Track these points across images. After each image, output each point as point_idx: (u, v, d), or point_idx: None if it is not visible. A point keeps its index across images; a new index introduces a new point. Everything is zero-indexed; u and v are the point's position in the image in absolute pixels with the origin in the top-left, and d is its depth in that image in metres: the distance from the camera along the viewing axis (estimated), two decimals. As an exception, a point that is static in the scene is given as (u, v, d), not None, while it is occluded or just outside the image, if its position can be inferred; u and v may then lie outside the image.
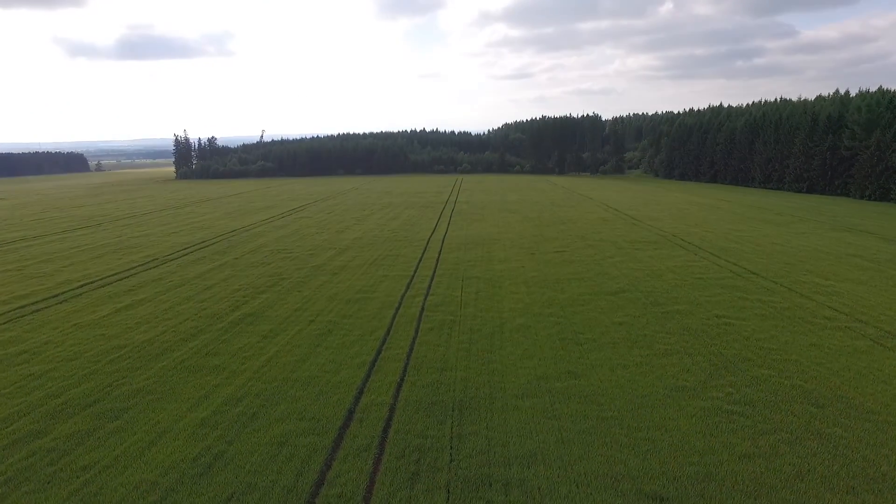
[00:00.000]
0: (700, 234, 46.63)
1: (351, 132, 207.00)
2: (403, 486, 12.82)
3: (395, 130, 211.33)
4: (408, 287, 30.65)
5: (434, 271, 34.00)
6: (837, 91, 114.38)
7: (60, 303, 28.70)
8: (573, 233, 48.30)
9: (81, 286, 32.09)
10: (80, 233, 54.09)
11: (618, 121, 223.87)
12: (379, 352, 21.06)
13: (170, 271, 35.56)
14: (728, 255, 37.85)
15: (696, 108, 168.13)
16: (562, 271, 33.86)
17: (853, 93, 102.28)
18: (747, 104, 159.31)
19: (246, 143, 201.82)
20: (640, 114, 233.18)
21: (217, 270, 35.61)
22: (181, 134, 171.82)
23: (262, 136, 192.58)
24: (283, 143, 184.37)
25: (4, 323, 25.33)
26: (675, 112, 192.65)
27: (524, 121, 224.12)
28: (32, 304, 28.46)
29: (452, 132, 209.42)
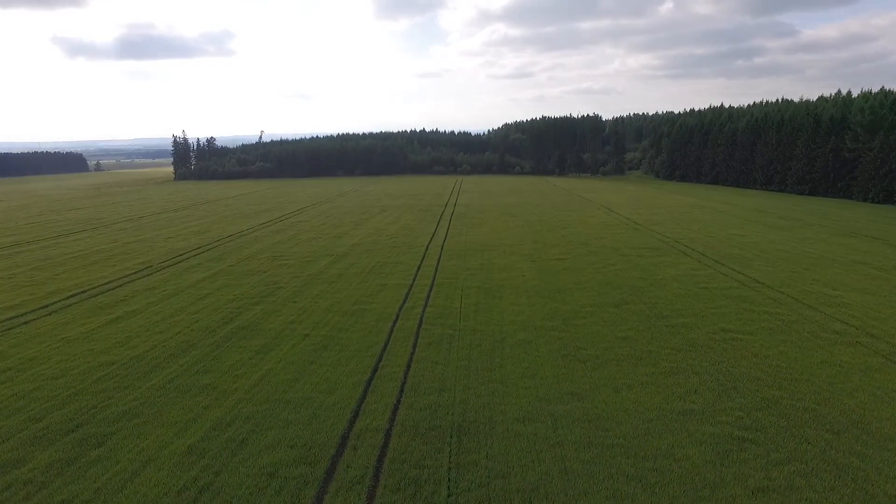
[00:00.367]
0: (703, 240, 45.92)
1: (350, 132, 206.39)
2: (398, 525, 12.13)
3: (395, 131, 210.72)
4: (406, 297, 29.95)
5: (433, 280, 33.30)
6: (839, 92, 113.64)
7: (50, 314, 28.00)
8: (574, 238, 47.59)
9: (73, 296, 31.39)
10: (75, 237, 53.37)
11: (618, 121, 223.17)
12: (375, 369, 20.36)
13: (163, 280, 34.85)
14: (732, 263, 37.14)
15: (696, 109, 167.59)
16: (563, 280, 33.16)
17: (855, 93, 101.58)
18: (748, 105, 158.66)
19: (245, 142, 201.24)
20: (641, 114, 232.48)
21: (212, 279, 34.91)
22: (180, 134, 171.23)
23: (260, 137, 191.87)
24: (281, 144, 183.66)
25: (-9, 337, 24.64)
26: (676, 112, 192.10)
27: (524, 121, 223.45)
28: (21, 315, 27.76)
29: (452, 132, 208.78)
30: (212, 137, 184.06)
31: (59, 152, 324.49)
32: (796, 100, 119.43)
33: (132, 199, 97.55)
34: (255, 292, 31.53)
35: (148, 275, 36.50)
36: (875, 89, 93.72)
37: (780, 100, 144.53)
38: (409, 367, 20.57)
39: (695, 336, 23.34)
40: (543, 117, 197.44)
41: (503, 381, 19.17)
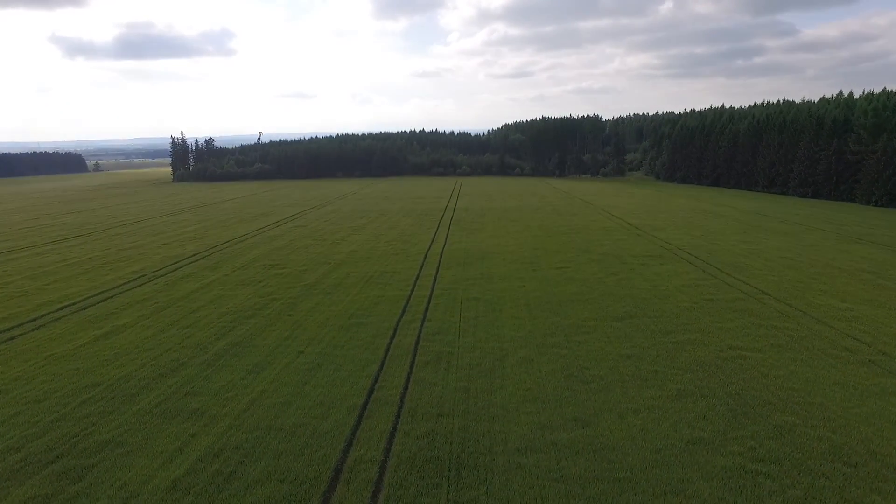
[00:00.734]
0: (707, 247, 45.15)
1: (349, 132, 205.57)
2: (393, 574, 11.37)
3: (394, 131, 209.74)
4: (404, 310, 29.18)
5: (431, 292, 32.53)
6: (841, 93, 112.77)
7: (37, 328, 27.24)
8: (575, 245, 46.82)
9: (62, 308, 30.63)
10: (69, 243, 52.61)
11: (618, 121, 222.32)
12: (371, 392, 19.60)
13: (156, 290, 34.08)
14: (737, 272, 36.38)
15: (697, 109, 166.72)
16: (565, 291, 32.39)
17: (857, 93, 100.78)
18: (749, 105, 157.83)
19: (244, 141, 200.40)
20: (641, 114, 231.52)
21: (205, 289, 34.14)
22: (178, 135, 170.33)
23: (259, 138, 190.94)
24: (280, 145, 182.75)
25: (-25, 354, 23.88)
26: (676, 112, 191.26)
27: (524, 121, 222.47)
28: (8, 330, 26.99)
29: (452, 133, 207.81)
30: (210, 138, 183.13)
31: (58, 152, 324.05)
32: (797, 100, 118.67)
33: (129, 202, 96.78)
34: (249, 304, 30.76)
35: (141, 284, 35.73)
36: (875, 88, 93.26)
37: (781, 100, 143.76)
38: (405, 388, 19.81)
39: (702, 354, 22.57)
40: (543, 118, 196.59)
41: (504, 405, 18.41)
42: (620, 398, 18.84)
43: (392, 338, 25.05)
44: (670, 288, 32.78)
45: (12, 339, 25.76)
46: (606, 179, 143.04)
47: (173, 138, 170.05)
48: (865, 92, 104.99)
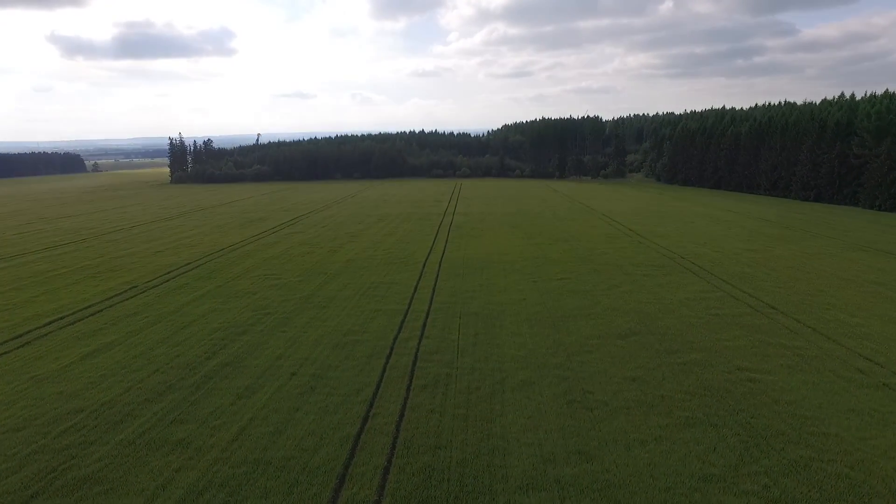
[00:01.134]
0: (710, 256, 44.33)
1: (349, 132, 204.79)
2: None
3: (394, 132, 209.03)
4: (401, 326, 28.34)
5: (429, 305, 31.68)
6: (843, 94, 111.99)
7: (23, 345, 26.42)
8: (577, 254, 45.98)
9: (50, 322, 29.79)
10: (62, 250, 51.76)
11: (618, 122, 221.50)
12: (366, 419, 18.77)
13: (147, 303, 33.23)
14: (743, 284, 35.55)
15: (697, 110, 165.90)
16: (566, 305, 31.56)
17: (858, 94, 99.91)
18: (750, 107, 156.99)
19: (244, 140, 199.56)
20: (641, 114, 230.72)
21: (198, 302, 33.30)
22: (176, 136, 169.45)
23: (258, 139, 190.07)
24: (278, 146, 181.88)
25: (-45, 375, 23.04)
26: (677, 113, 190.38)
27: (524, 122, 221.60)
28: (-8, 347, 26.16)
29: (451, 133, 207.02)
30: (209, 139, 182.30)
31: (57, 153, 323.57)
32: (798, 101, 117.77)
33: (126, 205, 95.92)
34: (242, 319, 29.92)
35: (132, 296, 34.90)
36: (876, 88, 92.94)
37: (782, 102, 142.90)
38: (402, 416, 18.97)
39: (709, 377, 21.74)
40: (543, 118, 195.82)
41: (504, 435, 17.57)
42: (626, 427, 18.00)
43: (388, 357, 24.20)
44: (674, 301, 31.95)
45: (-4, 357, 24.92)
46: (607, 181, 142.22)
47: (171, 139, 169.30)
48: (868, 94, 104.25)
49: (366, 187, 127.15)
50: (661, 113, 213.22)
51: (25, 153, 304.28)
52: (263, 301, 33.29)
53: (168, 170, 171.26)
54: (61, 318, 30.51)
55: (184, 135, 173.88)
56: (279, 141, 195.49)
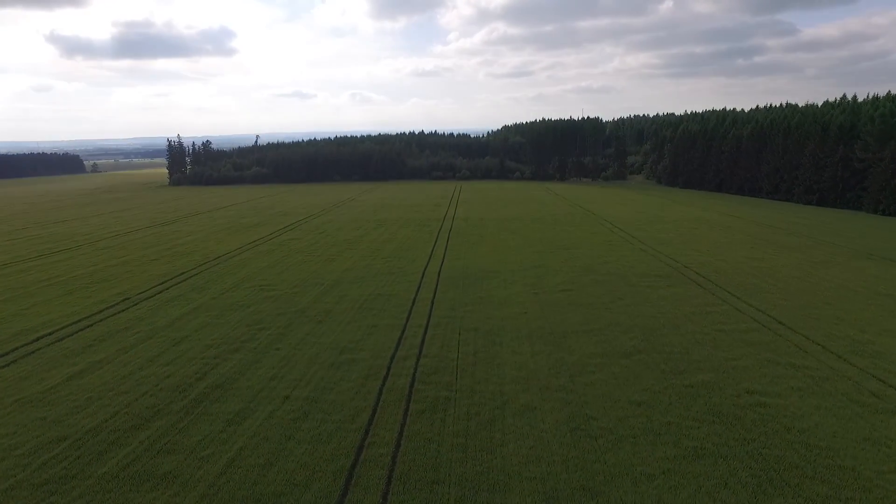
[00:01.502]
0: (714, 265, 43.54)
1: (348, 132, 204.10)
2: None
3: (394, 132, 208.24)
4: (399, 343, 27.56)
5: (428, 321, 30.87)
6: (845, 96, 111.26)
7: (9, 364, 25.62)
8: (578, 262, 45.18)
9: (38, 339, 28.99)
10: (55, 258, 50.97)
11: (618, 123, 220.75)
12: (361, 449, 17.98)
13: (139, 317, 32.44)
14: (748, 296, 34.78)
15: (697, 111, 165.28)
16: (568, 319, 30.77)
17: (858, 94, 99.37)
18: (751, 108, 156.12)
19: (243, 141, 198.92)
20: (642, 115, 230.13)
21: (191, 316, 32.51)
22: (174, 138, 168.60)
23: (256, 141, 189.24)
24: (277, 148, 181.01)
25: (-63, 398, 22.26)
26: (677, 114, 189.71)
27: (524, 123, 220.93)
28: (-24, 367, 25.37)
29: (451, 134, 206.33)
30: (207, 141, 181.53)
31: (56, 153, 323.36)
32: (799, 101, 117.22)
33: (123, 209, 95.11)
34: (235, 335, 29.13)
35: (124, 309, 34.10)
36: (876, 87, 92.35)
37: (784, 104, 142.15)
38: (398, 445, 18.19)
39: (718, 401, 20.96)
40: (543, 119, 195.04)
41: (505, 468, 16.78)
42: (632, 458, 17.23)
43: (385, 378, 23.42)
44: (679, 316, 31.17)
45: (-20, 378, 24.13)
46: (608, 184, 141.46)
47: (170, 141, 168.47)
48: (870, 96, 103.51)
49: (365, 190, 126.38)
50: (661, 113, 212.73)
51: (24, 153, 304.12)
52: (258, 315, 32.49)
53: (167, 171, 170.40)
54: (50, 334, 29.71)
55: (183, 134, 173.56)
56: (278, 142, 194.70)
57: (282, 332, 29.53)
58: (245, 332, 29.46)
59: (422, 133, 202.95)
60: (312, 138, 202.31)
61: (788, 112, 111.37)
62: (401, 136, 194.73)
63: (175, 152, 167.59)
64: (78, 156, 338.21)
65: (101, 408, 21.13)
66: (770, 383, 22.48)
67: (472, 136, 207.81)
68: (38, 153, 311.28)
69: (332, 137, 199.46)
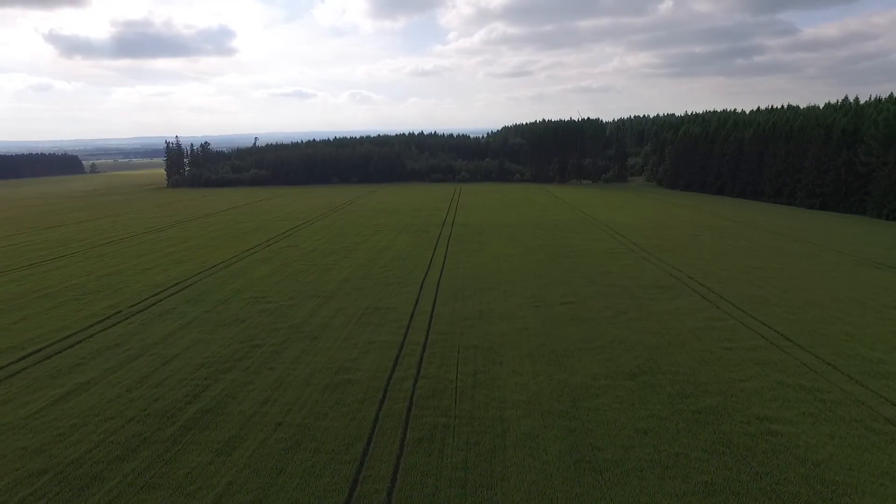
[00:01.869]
0: (718, 275, 42.70)
1: (347, 131, 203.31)
2: None
3: (393, 133, 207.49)
4: (396, 362, 26.73)
5: (426, 337, 30.02)
6: (847, 98, 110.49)
7: (-7, 386, 24.78)
8: (580, 272, 44.34)
9: (25, 357, 28.17)
10: (47, 267, 50.15)
11: (619, 124, 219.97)
12: (355, 485, 17.16)
13: (129, 332, 31.60)
14: (754, 309, 33.95)
15: (698, 112, 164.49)
16: (571, 335, 29.94)
17: (859, 93, 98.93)
18: (752, 110, 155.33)
19: (242, 141, 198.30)
20: (642, 116, 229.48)
21: (184, 331, 31.67)
22: (173, 140, 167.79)
23: (255, 142, 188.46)
24: (276, 149, 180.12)
25: (-85, 424, 21.42)
26: (677, 115, 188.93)
27: (524, 124, 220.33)
28: (-41, 388, 24.54)
29: (451, 135, 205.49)
30: (206, 142, 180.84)
31: (55, 154, 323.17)
32: (800, 103, 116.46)
33: (119, 213, 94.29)
34: (228, 352, 28.30)
35: (115, 324, 33.27)
36: (876, 87, 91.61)
37: (785, 105, 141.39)
38: (394, 480, 17.37)
39: (727, 429, 20.13)
40: (544, 120, 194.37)
41: (506, 507, 15.97)
42: (639, 495, 16.41)
43: (382, 402, 22.60)
44: (684, 331, 30.35)
45: (-39, 401, 23.30)
46: (608, 186, 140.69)
47: (167, 143, 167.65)
48: (873, 97, 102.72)
49: (364, 193, 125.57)
50: (661, 114, 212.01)
51: (23, 154, 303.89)
52: (252, 330, 31.66)
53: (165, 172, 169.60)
54: (38, 351, 28.87)
55: (183, 134, 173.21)
56: (277, 143, 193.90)
57: (276, 349, 28.70)
58: (238, 350, 28.62)
59: (421, 134, 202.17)
60: (311, 139, 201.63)
61: (790, 114, 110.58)
62: (400, 137, 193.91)
63: (173, 154, 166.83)
64: (77, 156, 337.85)
65: (85, 436, 20.30)
66: (780, 408, 21.67)
67: (471, 136, 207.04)
68: (37, 153, 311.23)
69: (332, 138, 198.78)
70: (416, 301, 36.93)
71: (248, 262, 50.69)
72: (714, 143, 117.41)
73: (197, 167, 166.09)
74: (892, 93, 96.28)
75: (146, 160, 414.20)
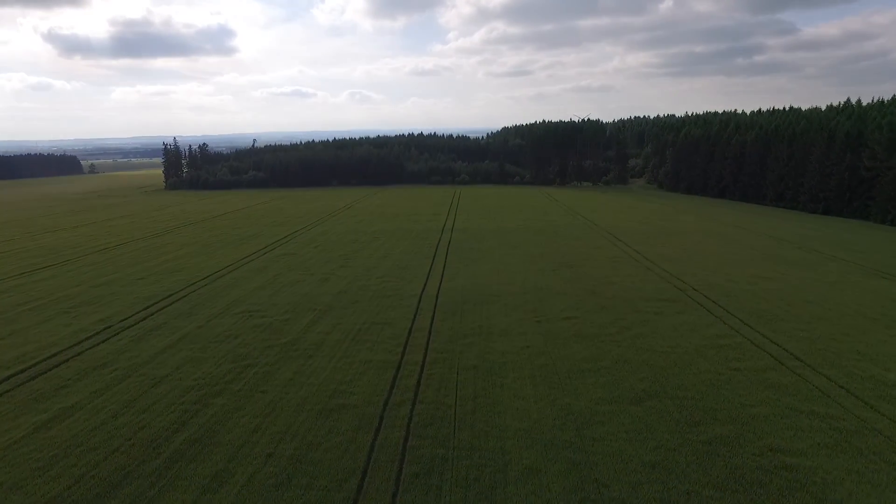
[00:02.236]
0: (724, 286, 41.76)
1: (347, 131, 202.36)
2: None
3: (392, 133, 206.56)
4: (393, 384, 25.78)
5: (424, 357, 29.04)
6: (849, 100, 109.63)
7: (-27, 410, 23.82)
8: (582, 283, 43.38)
9: (9, 377, 27.21)
10: (39, 276, 49.18)
11: (619, 125, 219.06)
12: (347, 527, 16.22)
13: (118, 350, 30.63)
14: (762, 325, 33.03)
15: (699, 112, 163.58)
16: (573, 354, 28.99)
17: (859, 94, 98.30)
18: (753, 111, 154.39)
19: (242, 140, 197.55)
20: (642, 117, 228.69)
21: (174, 348, 30.71)
22: (171, 142, 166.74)
23: (253, 144, 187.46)
24: (274, 151, 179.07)
25: None
26: (678, 115, 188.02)
27: (524, 125, 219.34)
28: (-62, 414, 23.58)
29: (450, 136, 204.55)
30: (204, 144, 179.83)
31: (53, 154, 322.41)
32: (801, 102, 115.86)
33: (115, 217, 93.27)
34: (219, 373, 27.35)
35: (104, 340, 32.31)
36: (876, 87, 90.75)
37: (787, 107, 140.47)
38: (389, 522, 16.43)
39: (739, 461, 19.19)
40: (544, 121, 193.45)
41: (508, 556, 15.02)
42: (649, 541, 15.46)
43: (377, 431, 21.65)
44: (690, 350, 29.41)
45: (-61, 429, 22.34)
46: (609, 189, 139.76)
47: (165, 145, 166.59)
48: (875, 99, 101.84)
49: (363, 196, 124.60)
50: (661, 115, 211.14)
51: (22, 154, 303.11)
52: (245, 348, 30.68)
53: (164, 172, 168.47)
54: (22, 371, 27.91)
55: (182, 134, 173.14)
56: (275, 145, 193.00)
57: (269, 369, 27.75)
58: (230, 370, 27.66)
59: (420, 134, 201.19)
60: (311, 140, 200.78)
61: (792, 117, 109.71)
62: (399, 138, 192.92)
63: (171, 156, 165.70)
64: (75, 156, 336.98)
65: (66, 469, 19.35)
66: (794, 438, 20.73)
67: (471, 137, 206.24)
68: (35, 154, 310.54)
69: (331, 139, 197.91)
70: (415, 315, 35.97)
71: (244, 271, 49.72)
72: (716, 146, 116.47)
73: (195, 169, 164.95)
74: (894, 95, 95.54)
75: (145, 160, 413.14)
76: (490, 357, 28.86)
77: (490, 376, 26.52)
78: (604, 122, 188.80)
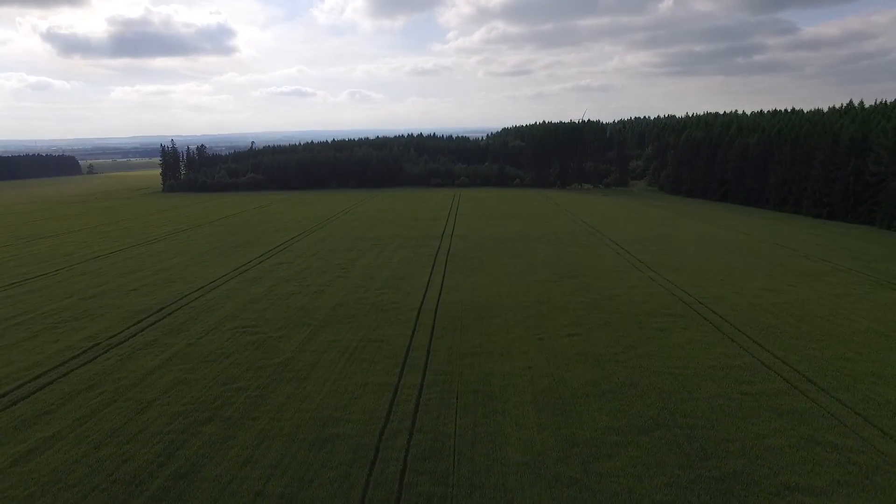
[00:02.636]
0: (730, 300, 40.69)
1: (347, 130, 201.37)
2: None
3: (392, 133, 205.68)
4: (390, 410, 24.70)
5: (423, 379, 27.93)
6: (852, 103, 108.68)
7: (-50, 440, 22.73)
8: (585, 295, 42.32)
9: (-10, 401, 26.11)
10: (28, 287, 48.09)
11: (619, 125, 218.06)
12: (338, 581, 15.14)
13: (106, 371, 29.54)
14: (771, 343, 31.96)
15: (699, 113, 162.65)
16: (578, 377, 27.91)
17: (859, 93, 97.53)
18: (753, 112, 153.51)
19: (241, 140, 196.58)
20: (643, 117, 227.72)
21: (163, 370, 29.62)
22: (168, 143, 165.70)
23: (252, 146, 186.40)
24: (273, 153, 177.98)
25: None
26: (678, 116, 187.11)
27: (524, 125, 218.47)
28: (-88, 444, 22.48)
29: (450, 137, 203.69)
30: (202, 145, 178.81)
31: (51, 154, 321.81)
32: (801, 102, 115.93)
33: (111, 221, 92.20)
34: (209, 397, 26.27)
35: (91, 359, 31.22)
36: (876, 86, 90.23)
37: (789, 109, 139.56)
38: (383, 574, 15.34)
39: (755, 503, 18.11)
40: (543, 122, 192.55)
41: None
42: None
43: (373, 464, 20.57)
44: (699, 372, 28.33)
45: (-88, 462, 21.24)
46: (610, 191, 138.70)
47: (163, 147, 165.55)
48: (878, 101, 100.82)
49: (362, 199, 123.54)
50: (662, 115, 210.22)
51: (20, 155, 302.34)
52: (236, 369, 29.59)
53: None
54: (4, 396, 26.82)
55: (182, 133, 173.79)
56: (274, 146, 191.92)
57: (261, 393, 26.66)
58: (220, 394, 26.58)
59: (420, 136, 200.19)
60: (310, 140, 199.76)
61: (796, 120, 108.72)
62: (399, 139, 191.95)
63: (169, 158, 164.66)
64: (73, 157, 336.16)
65: (41, 510, 18.26)
66: (811, 474, 19.65)
67: (470, 138, 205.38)
68: (34, 154, 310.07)
69: (330, 140, 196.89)
70: (413, 332, 34.88)
71: (238, 282, 48.62)
72: (718, 149, 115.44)
73: (193, 171, 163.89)
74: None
75: (145, 160, 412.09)
76: (491, 380, 27.78)
77: (491, 401, 25.44)
78: (604, 122, 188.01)
